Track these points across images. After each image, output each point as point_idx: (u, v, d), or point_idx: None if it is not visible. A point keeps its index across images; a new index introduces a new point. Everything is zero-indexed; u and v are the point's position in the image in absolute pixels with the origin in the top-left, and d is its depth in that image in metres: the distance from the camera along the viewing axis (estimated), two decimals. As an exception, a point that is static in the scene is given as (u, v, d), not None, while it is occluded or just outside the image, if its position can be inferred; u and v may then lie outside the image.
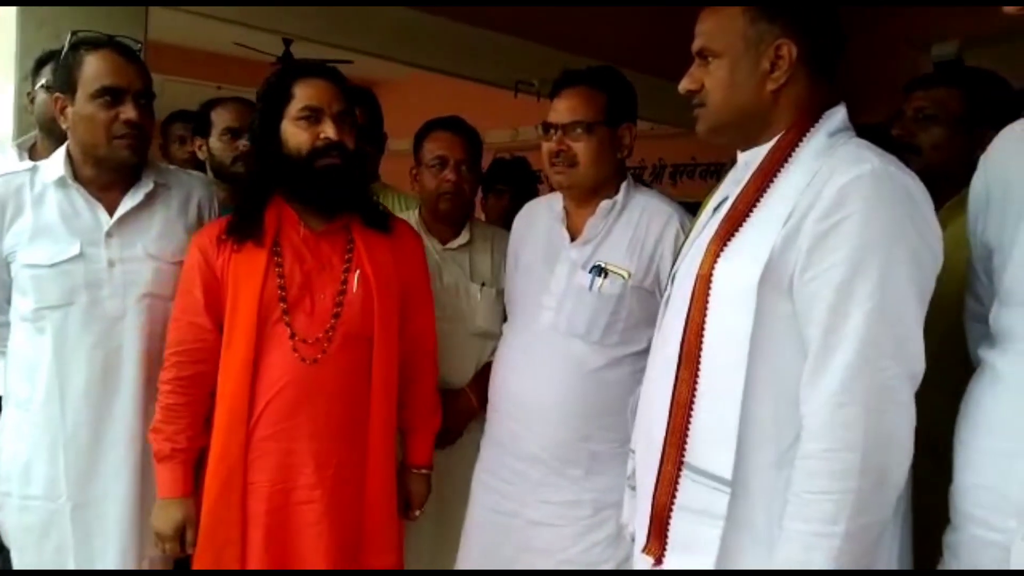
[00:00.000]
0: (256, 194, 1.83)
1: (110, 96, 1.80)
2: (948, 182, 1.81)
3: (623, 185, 2.02)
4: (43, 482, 1.83)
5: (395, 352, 1.89)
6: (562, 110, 1.98)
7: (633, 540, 1.56)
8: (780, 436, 1.29)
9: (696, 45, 1.45)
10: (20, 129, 2.67)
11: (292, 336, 1.77)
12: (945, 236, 1.30)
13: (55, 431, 1.82)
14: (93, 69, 1.80)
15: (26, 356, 1.84)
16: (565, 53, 4.18)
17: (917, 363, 1.25)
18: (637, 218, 1.98)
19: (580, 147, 1.96)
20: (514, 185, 3.38)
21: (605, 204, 2.00)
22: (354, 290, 1.83)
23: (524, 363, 2.02)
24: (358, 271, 1.84)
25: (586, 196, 2.02)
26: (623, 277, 1.93)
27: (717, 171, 6.18)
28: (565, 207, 2.08)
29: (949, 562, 1.31)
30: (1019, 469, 1.18)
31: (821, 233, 1.25)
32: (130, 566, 1.86)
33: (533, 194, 3.32)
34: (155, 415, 1.82)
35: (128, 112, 1.80)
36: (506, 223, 2.48)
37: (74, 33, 1.88)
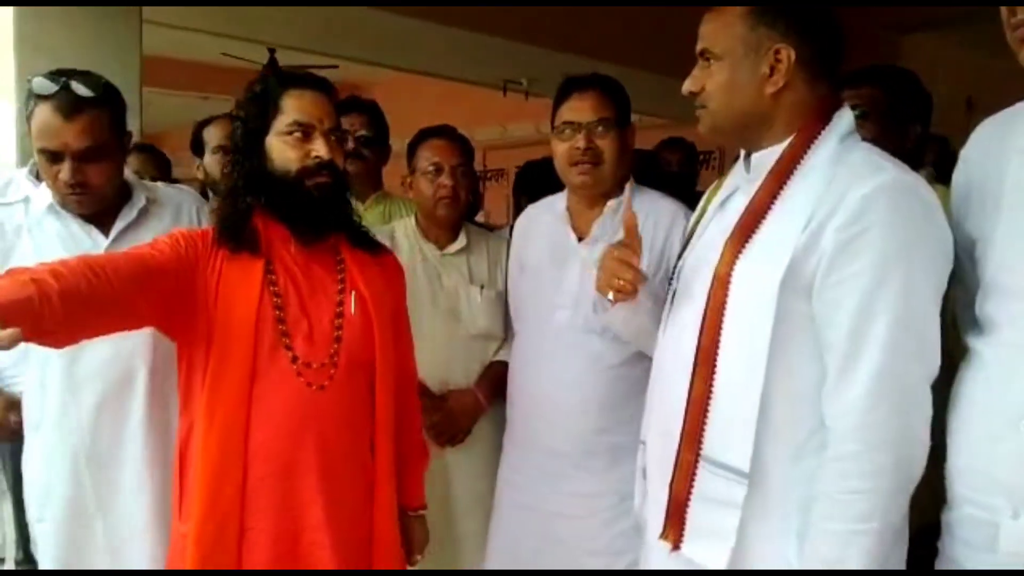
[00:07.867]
0: (239, 207, 1.66)
1: (46, 157, 1.76)
2: None
3: (627, 186, 2.07)
4: (65, 502, 1.84)
5: (394, 380, 1.75)
6: (585, 109, 2.00)
7: (643, 527, 1.61)
8: (795, 431, 1.35)
9: (698, 47, 1.48)
10: (23, 154, 2.67)
11: (295, 360, 1.60)
12: None
13: (74, 449, 1.83)
14: (35, 126, 1.76)
15: (34, 379, 1.84)
16: (551, 51, 4.21)
17: (935, 363, 1.32)
18: (644, 217, 1.97)
19: (606, 144, 1.99)
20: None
21: (612, 203, 2.04)
22: (351, 312, 1.68)
23: (542, 363, 2.06)
24: (353, 292, 1.69)
25: (601, 196, 2.06)
26: None
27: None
28: (568, 208, 2.13)
29: (945, 540, 1.38)
30: (1003, 451, 1.25)
31: (845, 241, 1.29)
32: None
33: None
34: None
35: (64, 173, 1.75)
36: None
37: (29, 80, 1.78)
